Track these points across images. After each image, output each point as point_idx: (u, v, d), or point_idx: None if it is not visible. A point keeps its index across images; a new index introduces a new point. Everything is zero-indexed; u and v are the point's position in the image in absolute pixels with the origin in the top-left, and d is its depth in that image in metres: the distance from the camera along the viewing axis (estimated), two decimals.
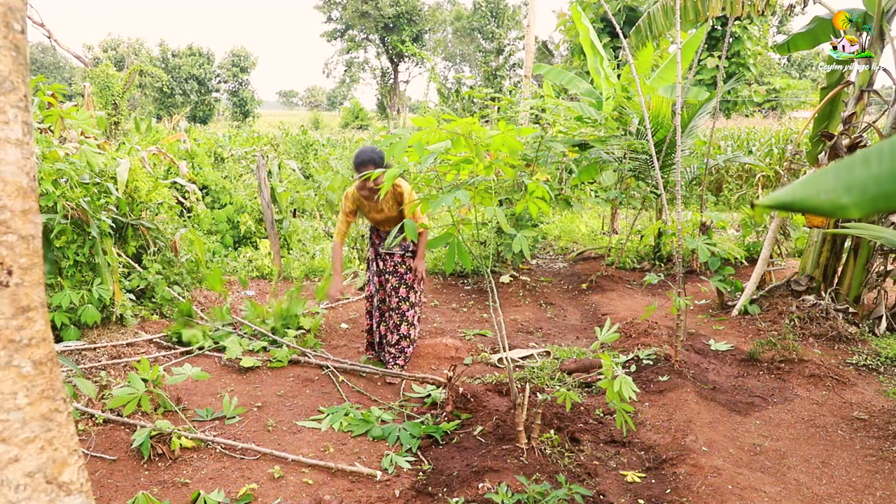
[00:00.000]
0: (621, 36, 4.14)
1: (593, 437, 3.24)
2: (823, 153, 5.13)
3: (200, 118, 40.33)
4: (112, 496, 2.67)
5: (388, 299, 4.13)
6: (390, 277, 4.08)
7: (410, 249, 4.04)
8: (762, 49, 21.93)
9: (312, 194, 8.80)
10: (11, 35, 1.21)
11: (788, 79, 30.00)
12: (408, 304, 4.09)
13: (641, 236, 7.41)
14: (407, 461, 3.00)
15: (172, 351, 4.30)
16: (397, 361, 4.12)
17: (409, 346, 4.16)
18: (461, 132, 2.61)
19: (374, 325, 4.25)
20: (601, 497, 2.67)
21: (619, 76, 8.25)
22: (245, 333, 4.56)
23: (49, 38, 13.58)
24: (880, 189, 0.83)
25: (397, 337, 4.10)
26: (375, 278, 4.17)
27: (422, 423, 3.37)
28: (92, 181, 4.42)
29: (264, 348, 4.39)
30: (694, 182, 7.97)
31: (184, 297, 5.21)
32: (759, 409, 3.61)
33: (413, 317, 4.13)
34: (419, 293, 4.16)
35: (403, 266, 4.07)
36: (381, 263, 4.13)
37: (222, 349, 4.35)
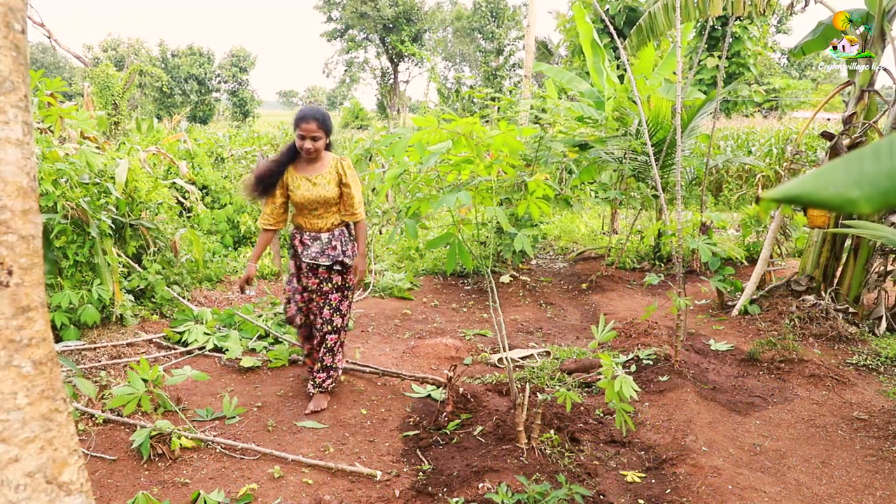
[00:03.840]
0: (615, 37, 4.14)
1: (593, 437, 3.24)
2: (824, 153, 5.13)
3: (200, 118, 40.33)
4: (112, 496, 2.67)
5: (314, 319, 3.55)
6: (314, 297, 3.49)
7: (340, 260, 3.38)
8: (762, 49, 21.93)
9: None
10: (12, 35, 1.21)
11: (788, 79, 29.98)
12: (330, 327, 3.50)
13: (641, 236, 7.41)
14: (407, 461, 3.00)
15: (172, 351, 4.30)
16: (324, 384, 3.58)
17: (335, 373, 3.64)
18: (462, 132, 2.61)
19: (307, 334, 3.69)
20: (601, 497, 2.67)
21: (620, 77, 8.25)
22: (245, 334, 4.56)
23: (49, 38, 13.59)
24: (892, 183, 0.79)
25: (322, 365, 3.58)
26: (297, 296, 3.54)
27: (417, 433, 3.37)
28: (92, 181, 4.42)
29: (265, 348, 4.39)
30: (694, 182, 7.96)
31: (184, 297, 5.21)
32: (759, 409, 3.61)
33: (336, 344, 3.54)
34: (345, 317, 3.54)
35: (329, 283, 3.43)
36: (304, 279, 3.48)
37: (222, 349, 4.35)
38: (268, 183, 3.30)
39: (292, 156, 3.32)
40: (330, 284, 3.42)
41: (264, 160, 3.30)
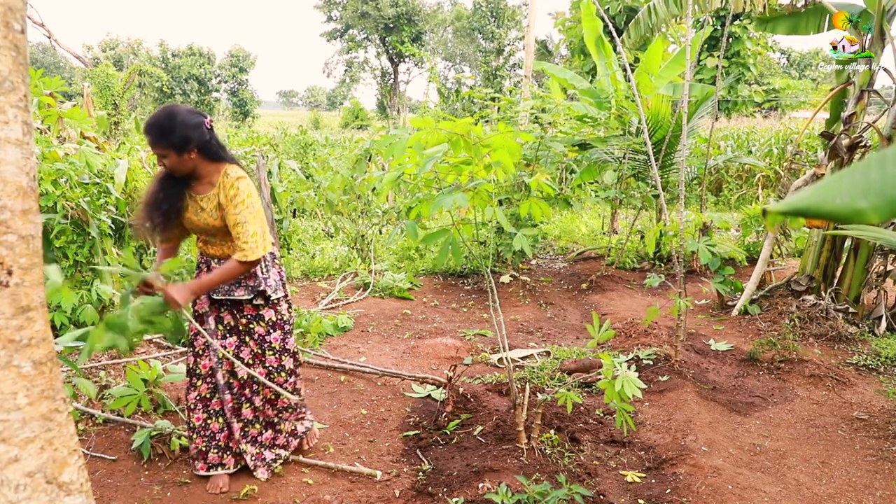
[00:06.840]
0: (615, 36, 4.14)
1: (593, 437, 3.24)
2: (823, 153, 5.13)
3: None
4: (112, 496, 2.67)
5: (242, 371, 2.68)
6: (246, 341, 2.71)
7: (261, 289, 2.62)
8: (762, 49, 21.93)
9: (312, 194, 8.80)
10: (11, 35, 1.21)
11: (788, 79, 29.99)
12: (284, 373, 2.78)
13: (641, 236, 7.41)
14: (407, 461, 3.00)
15: (172, 351, 4.30)
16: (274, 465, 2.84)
17: (294, 439, 2.94)
18: (459, 132, 2.60)
19: (213, 418, 2.73)
20: (601, 497, 2.67)
21: (625, 76, 8.23)
22: None
23: (49, 38, 13.60)
24: None
25: (273, 434, 2.85)
26: (211, 346, 2.67)
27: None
28: (91, 181, 4.42)
29: None
30: (694, 182, 7.95)
31: None
32: (759, 409, 3.62)
33: (295, 391, 2.84)
34: (296, 356, 2.83)
35: (262, 322, 2.69)
36: (217, 320, 2.69)
37: None
38: (165, 210, 2.48)
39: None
40: (262, 323, 2.70)
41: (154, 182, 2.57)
